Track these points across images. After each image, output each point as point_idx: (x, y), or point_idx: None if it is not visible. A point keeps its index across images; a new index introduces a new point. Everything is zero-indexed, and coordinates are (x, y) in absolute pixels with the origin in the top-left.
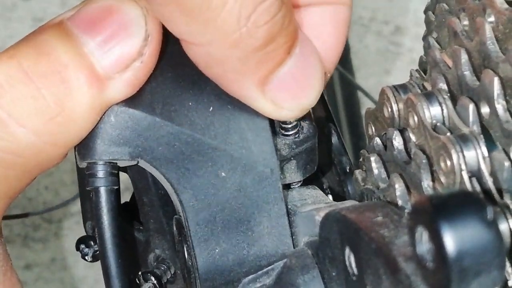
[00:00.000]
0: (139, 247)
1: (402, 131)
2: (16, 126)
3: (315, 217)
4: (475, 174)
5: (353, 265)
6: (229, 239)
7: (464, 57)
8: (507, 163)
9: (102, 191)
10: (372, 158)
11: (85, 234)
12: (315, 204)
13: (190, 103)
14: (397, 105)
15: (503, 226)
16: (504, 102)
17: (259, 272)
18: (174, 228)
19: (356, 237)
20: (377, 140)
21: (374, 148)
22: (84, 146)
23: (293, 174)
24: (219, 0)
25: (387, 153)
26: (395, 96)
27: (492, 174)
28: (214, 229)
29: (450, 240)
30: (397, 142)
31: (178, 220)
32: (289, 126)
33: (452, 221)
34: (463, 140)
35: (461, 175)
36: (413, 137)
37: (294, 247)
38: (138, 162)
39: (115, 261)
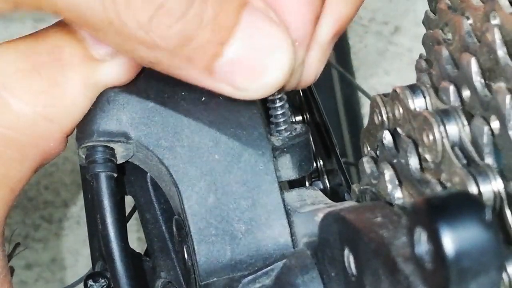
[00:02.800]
0: (147, 277)
1: (392, 134)
2: (10, 97)
3: (315, 218)
4: (457, 143)
5: (352, 265)
6: (228, 234)
7: (444, 53)
8: (486, 127)
9: (102, 176)
10: (365, 159)
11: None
12: (315, 204)
13: (182, 93)
14: (385, 108)
15: (487, 188)
16: (482, 80)
17: (259, 273)
18: (174, 229)
19: (355, 238)
20: (372, 152)
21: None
22: (81, 130)
23: (288, 170)
24: (119, 19)
25: (379, 158)
26: (383, 101)
27: (473, 141)
28: (212, 222)
29: (449, 241)
30: (387, 140)
31: (178, 221)
32: (281, 120)
33: (451, 222)
34: (443, 112)
35: (443, 144)
36: (401, 131)
37: (293, 248)
38: (133, 154)
39: (118, 245)
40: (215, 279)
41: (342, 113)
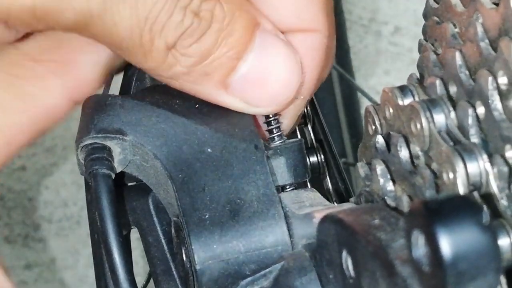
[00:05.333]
0: None
1: (385, 139)
2: None
3: (313, 220)
4: (443, 129)
5: (350, 268)
6: (223, 224)
7: (432, 57)
8: (470, 109)
9: (100, 174)
10: (359, 164)
11: None
12: (313, 206)
13: (177, 100)
14: (378, 115)
15: (473, 163)
16: (467, 72)
17: (257, 275)
18: (173, 231)
19: (353, 240)
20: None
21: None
22: (79, 131)
23: (284, 174)
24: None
25: (372, 157)
26: (375, 109)
27: (459, 126)
28: (207, 213)
29: (446, 244)
30: (380, 144)
31: (176, 222)
32: (274, 134)
33: (448, 225)
34: (430, 101)
35: (430, 129)
36: (392, 132)
37: (292, 249)
38: (130, 160)
39: (116, 241)
40: (210, 261)
41: (342, 113)
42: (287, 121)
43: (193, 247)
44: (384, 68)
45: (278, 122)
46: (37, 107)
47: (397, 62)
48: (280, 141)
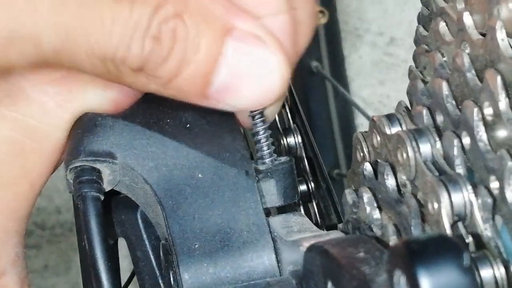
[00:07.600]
0: None
1: (373, 167)
2: (28, 86)
3: (300, 248)
4: (429, 159)
5: None
6: (212, 254)
7: (420, 86)
8: (456, 140)
9: (89, 196)
10: (347, 191)
11: None
12: (301, 232)
13: (168, 120)
14: (366, 142)
15: (457, 194)
16: (454, 102)
17: None
18: (161, 254)
19: (338, 273)
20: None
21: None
22: (69, 152)
23: (273, 197)
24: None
25: (360, 185)
26: (363, 136)
27: (445, 156)
28: (196, 242)
29: (427, 286)
30: (367, 171)
31: (165, 246)
32: (264, 145)
33: (429, 266)
34: (416, 130)
35: (416, 159)
36: (379, 159)
37: (280, 274)
38: (119, 179)
39: (104, 265)
40: None
41: (336, 123)
42: (272, 109)
43: (182, 277)
44: (379, 79)
45: (262, 116)
46: (53, 146)
47: (392, 72)
48: (271, 159)
